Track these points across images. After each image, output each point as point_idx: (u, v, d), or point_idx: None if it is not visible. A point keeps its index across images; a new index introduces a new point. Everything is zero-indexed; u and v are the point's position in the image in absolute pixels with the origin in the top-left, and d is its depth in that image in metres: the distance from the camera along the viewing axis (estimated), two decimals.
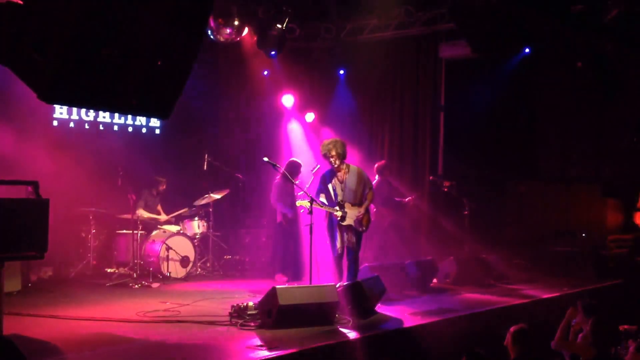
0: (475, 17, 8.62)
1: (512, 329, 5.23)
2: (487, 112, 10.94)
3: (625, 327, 5.85)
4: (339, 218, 7.35)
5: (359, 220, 7.42)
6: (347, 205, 7.41)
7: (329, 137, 11.66)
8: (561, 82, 11.05)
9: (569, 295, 8.22)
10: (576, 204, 11.78)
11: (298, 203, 7.49)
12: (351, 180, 7.47)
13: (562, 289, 8.61)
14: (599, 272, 9.94)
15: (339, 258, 7.52)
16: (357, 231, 7.47)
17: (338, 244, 7.45)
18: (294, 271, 9.07)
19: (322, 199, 7.42)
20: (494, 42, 8.79)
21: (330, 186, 7.42)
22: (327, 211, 7.48)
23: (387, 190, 9.97)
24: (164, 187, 9.84)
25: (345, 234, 7.44)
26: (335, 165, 7.41)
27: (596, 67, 10.11)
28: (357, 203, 7.47)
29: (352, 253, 7.51)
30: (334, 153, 7.36)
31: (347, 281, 7.33)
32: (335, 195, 7.40)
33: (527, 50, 10.25)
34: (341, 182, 7.44)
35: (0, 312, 5.24)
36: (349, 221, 7.41)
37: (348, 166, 7.54)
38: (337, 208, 7.36)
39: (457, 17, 9.29)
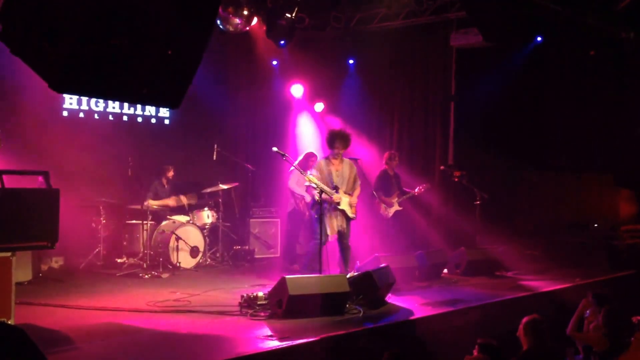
0: (487, 5, 8.52)
1: (524, 319, 5.19)
2: (499, 101, 10.83)
3: (639, 317, 5.79)
4: (337, 201, 7.60)
5: (351, 206, 7.74)
6: (340, 191, 7.70)
7: (338, 127, 11.70)
8: (574, 70, 10.92)
9: (582, 286, 8.15)
10: (589, 194, 11.68)
11: (308, 178, 7.61)
12: (346, 170, 7.80)
13: (574, 280, 8.54)
14: (612, 262, 9.87)
15: (321, 246, 7.50)
16: (348, 217, 7.73)
17: (329, 231, 7.64)
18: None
19: (312, 182, 7.56)
20: (506, 30, 8.69)
21: (326, 172, 7.67)
22: (317, 199, 7.54)
23: (393, 180, 9.90)
24: (172, 173, 9.83)
25: (336, 219, 7.69)
26: (337, 155, 7.73)
27: (610, 55, 10.00)
28: (348, 192, 7.78)
29: (345, 238, 7.77)
30: (338, 144, 7.70)
31: (341, 266, 7.68)
32: (332, 180, 7.68)
33: (539, 38, 10.13)
34: (337, 170, 7.73)
35: (11, 302, 5.26)
36: (343, 206, 7.68)
37: (343, 158, 7.88)
38: (335, 191, 7.63)
39: (468, 5, 9.18)
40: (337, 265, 8.78)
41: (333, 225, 7.66)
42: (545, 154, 12.13)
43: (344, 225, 7.74)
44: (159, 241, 9.18)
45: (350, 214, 7.74)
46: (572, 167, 11.88)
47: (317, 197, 7.35)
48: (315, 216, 7.62)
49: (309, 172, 7.71)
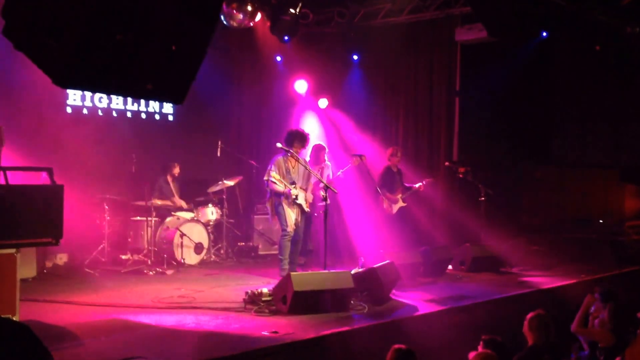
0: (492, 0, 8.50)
1: (529, 315, 5.17)
2: (504, 97, 10.79)
3: None
4: (294, 196, 8.05)
5: (306, 201, 8.25)
6: (297, 186, 8.14)
7: (342, 122, 11.71)
8: (579, 66, 10.88)
9: (587, 282, 8.13)
10: (594, 190, 11.65)
11: (272, 175, 8.00)
12: (301, 167, 8.21)
13: (579, 276, 8.51)
14: (617, 258, 9.83)
15: (289, 236, 8.12)
16: (304, 211, 8.24)
17: (292, 222, 8.08)
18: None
19: (274, 178, 8.02)
20: (511, 25, 8.65)
21: (284, 168, 8.10)
22: (275, 192, 8.08)
23: (396, 177, 9.86)
24: (178, 170, 9.82)
25: (295, 212, 8.15)
26: (295, 154, 8.05)
27: (615, 50, 9.95)
28: (302, 187, 8.25)
29: (299, 230, 8.25)
30: (297, 144, 8.06)
31: (291, 258, 8.15)
32: (290, 176, 8.12)
33: (544, 33, 10.09)
34: (293, 167, 8.19)
35: (16, 298, 5.26)
36: (300, 200, 8.15)
37: (298, 157, 8.21)
38: (294, 186, 8.08)
39: (473, 0, 9.15)
40: (341, 261, 8.80)
41: (291, 218, 8.11)
42: (550, 149, 12.10)
43: (299, 219, 8.23)
44: (163, 238, 9.19)
45: (305, 208, 8.25)
46: (578, 162, 11.85)
47: (280, 190, 7.99)
48: (274, 209, 8.19)
49: (271, 167, 8.08)
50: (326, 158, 9.26)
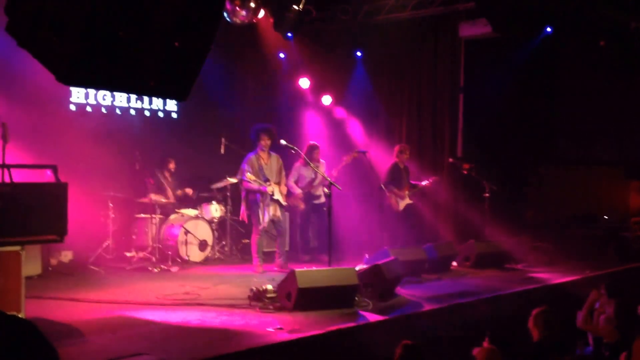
0: None
1: (534, 311, 5.17)
2: (508, 93, 10.74)
3: None
4: (271, 192, 8.31)
5: (282, 195, 8.51)
6: (271, 182, 8.40)
7: (344, 119, 11.70)
8: (583, 61, 10.83)
9: (591, 278, 8.11)
10: (599, 186, 11.60)
11: (248, 176, 8.24)
12: (274, 163, 8.54)
13: (584, 272, 8.49)
14: (622, 254, 9.81)
15: (263, 231, 8.44)
16: (281, 205, 8.49)
17: (266, 218, 8.36)
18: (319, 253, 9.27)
19: (249, 179, 8.26)
20: (515, 20, 8.62)
21: (257, 166, 8.34)
22: (250, 189, 8.36)
23: (403, 174, 9.85)
24: (173, 165, 9.80)
25: (271, 207, 8.39)
26: (265, 149, 8.38)
27: (620, 45, 9.90)
28: (277, 182, 8.51)
29: (280, 224, 8.55)
30: (266, 136, 8.33)
31: (281, 249, 8.54)
32: (263, 174, 8.36)
33: (548, 29, 10.05)
34: (266, 163, 8.45)
35: (21, 296, 5.27)
36: (277, 195, 8.40)
37: (270, 153, 8.53)
38: (269, 183, 8.32)
39: None
40: (345, 258, 8.81)
41: (266, 215, 8.37)
42: (554, 145, 12.06)
43: (278, 214, 8.49)
44: (168, 235, 9.20)
45: (282, 202, 8.52)
46: (582, 158, 11.81)
47: (255, 188, 8.24)
48: (249, 206, 8.46)
49: (244, 167, 8.32)
50: (321, 160, 9.30)
